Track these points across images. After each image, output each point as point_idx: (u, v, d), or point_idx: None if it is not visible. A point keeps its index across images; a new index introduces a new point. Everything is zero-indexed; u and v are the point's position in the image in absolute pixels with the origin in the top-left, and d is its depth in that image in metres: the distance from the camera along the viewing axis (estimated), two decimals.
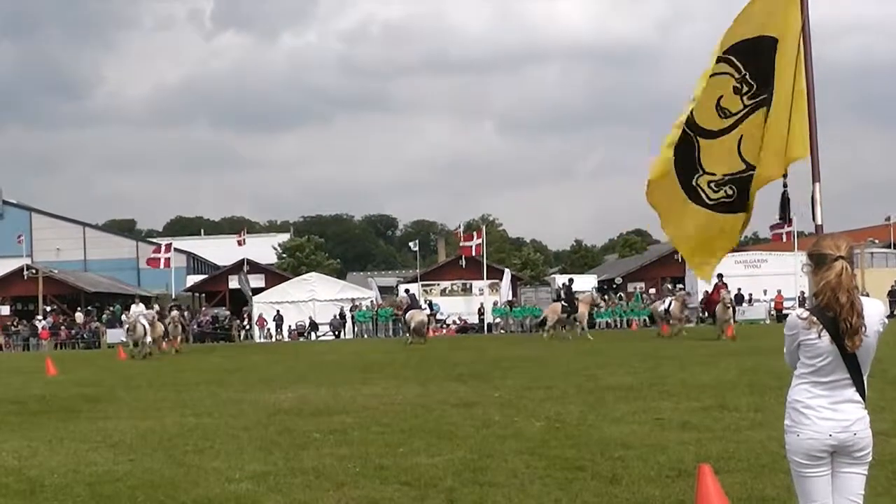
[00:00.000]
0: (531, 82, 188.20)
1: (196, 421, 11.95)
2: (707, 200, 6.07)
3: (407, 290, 38.04)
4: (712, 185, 6.02)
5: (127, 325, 31.02)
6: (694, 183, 6.06)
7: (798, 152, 5.65)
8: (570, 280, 35.46)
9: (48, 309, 52.04)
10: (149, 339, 29.71)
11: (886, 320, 4.20)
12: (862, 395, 4.05)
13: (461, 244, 52.04)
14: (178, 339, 33.48)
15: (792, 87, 5.66)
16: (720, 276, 30.71)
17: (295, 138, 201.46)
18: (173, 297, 48.61)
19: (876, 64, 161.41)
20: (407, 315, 34.53)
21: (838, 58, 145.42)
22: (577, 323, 32.88)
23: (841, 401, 4.02)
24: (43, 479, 8.18)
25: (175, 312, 33.53)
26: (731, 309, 29.38)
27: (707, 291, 31.83)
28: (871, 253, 49.29)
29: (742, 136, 5.90)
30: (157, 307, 33.90)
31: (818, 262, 4.06)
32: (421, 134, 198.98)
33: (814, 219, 5.66)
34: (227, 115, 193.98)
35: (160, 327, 30.88)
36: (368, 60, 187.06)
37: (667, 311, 31.97)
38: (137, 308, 30.82)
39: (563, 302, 32.94)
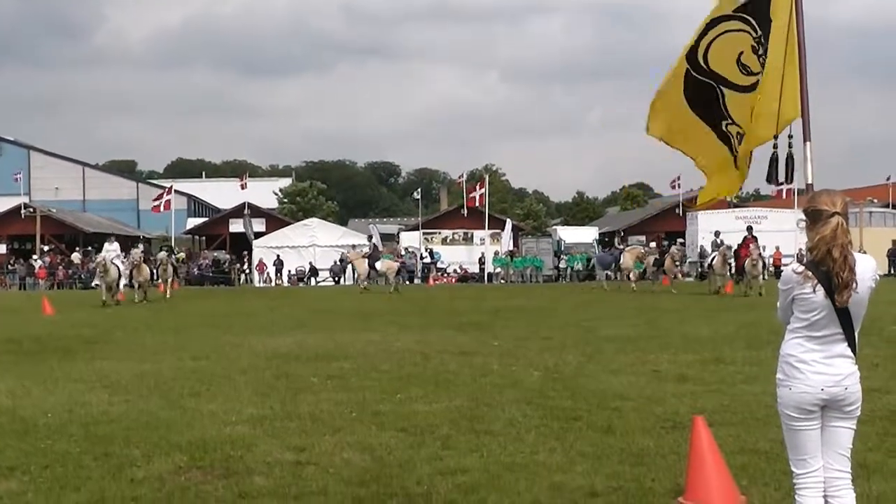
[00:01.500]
0: (537, 33, 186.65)
1: (193, 364, 11.98)
2: (735, 151, 6.11)
3: (370, 237, 37.84)
4: (739, 136, 6.04)
5: (98, 267, 27.17)
6: (724, 129, 6.09)
7: (791, 113, 5.62)
8: (615, 234, 35.55)
9: (45, 248, 51.97)
10: (123, 282, 27.03)
11: (878, 276, 4.20)
12: (853, 350, 4.07)
13: (468, 195, 51.88)
14: (170, 283, 30.73)
15: (784, 49, 5.62)
16: (749, 228, 30.04)
17: (298, 84, 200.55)
18: (169, 238, 48.46)
19: (876, 25, 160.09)
20: (379, 265, 34.55)
21: (838, 19, 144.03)
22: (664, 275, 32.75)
23: (833, 355, 4.03)
24: (37, 420, 8.19)
25: (163, 254, 30.86)
26: (759, 264, 27.18)
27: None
28: (871, 212, 49.20)
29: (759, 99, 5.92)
30: (141, 247, 30.63)
31: (814, 217, 4.08)
32: (425, 82, 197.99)
33: (791, 178, 5.68)
34: (229, 58, 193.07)
35: (146, 270, 28.21)
36: (373, 7, 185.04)
37: (710, 265, 29.98)
38: (111, 247, 27.47)
39: (656, 256, 33.32)
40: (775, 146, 5.76)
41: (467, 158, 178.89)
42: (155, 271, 30.19)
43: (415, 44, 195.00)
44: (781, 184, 5.77)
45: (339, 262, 47.63)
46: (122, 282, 27.02)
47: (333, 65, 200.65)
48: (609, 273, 35.15)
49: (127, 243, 38.31)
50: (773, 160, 5.77)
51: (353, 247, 41.75)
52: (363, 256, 35.78)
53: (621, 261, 32.91)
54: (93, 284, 29.57)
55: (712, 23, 5.94)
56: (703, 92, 6.04)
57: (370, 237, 37.91)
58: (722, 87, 5.98)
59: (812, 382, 4.01)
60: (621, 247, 34.83)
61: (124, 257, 28.08)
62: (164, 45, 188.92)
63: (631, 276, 32.47)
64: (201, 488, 5.93)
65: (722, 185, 6.40)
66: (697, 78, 6.02)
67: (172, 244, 51.59)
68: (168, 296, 29.42)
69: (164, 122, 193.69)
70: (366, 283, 35.33)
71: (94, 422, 8.05)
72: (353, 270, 38.69)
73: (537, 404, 8.59)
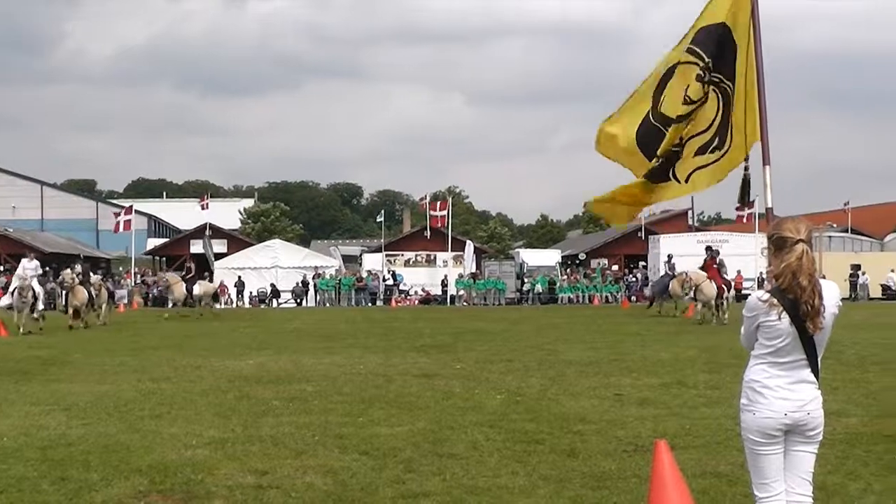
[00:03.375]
0: (502, 56, 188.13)
1: (153, 386, 11.84)
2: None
3: (186, 258, 35.61)
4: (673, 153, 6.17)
5: (12, 289, 23.55)
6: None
7: (752, 137, 5.75)
8: (669, 256, 34.80)
9: (1, 268, 51.06)
10: (40, 306, 23.57)
11: (841, 302, 4.25)
12: (816, 375, 4.11)
13: (431, 213, 51.87)
14: (104, 308, 27.23)
15: (745, 75, 5.76)
16: (708, 248, 29.28)
17: (262, 104, 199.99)
18: (129, 258, 47.51)
19: (834, 52, 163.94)
20: (196, 289, 32.99)
21: (798, 46, 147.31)
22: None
23: (797, 381, 4.07)
24: None
25: (96, 277, 27.49)
26: (708, 288, 25.31)
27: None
28: (829, 237, 50.07)
29: (691, 122, 6.08)
30: (79, 268, 26.64)
31: (779, 244, 4.10)
32: (389, 103, 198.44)
33: (749, 201, 5.83)
34: (192, 78, 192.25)
35: (83, 293, 24.87)
36: (338, 28, 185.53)
37: (665, 290, 28.98)
38: (30, 265, 23.97)
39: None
40: (746, 168, 5.86)
41: (431, 180, 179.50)
42: (91, 295, 26.00)
43: (379, 65, 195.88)
44: (744, 206, 5.95)
45: (300, 284, 47.22)
46: (39, 305, 23.66)
47: (298, 85, 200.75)
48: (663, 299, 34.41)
49: (90, 264, 36.78)
50: (745, 183, 5.88)
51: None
52: (182, 279, 33.66)
53: (670, 287, 32.16)
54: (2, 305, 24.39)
55: (669, 72, 6.09)
56: (653, 133, 6.16)
57: (187, 258, 35.06)
58: (666, 128, 6.10)
59: (776, 408, 4.04)
60: (672, 273, 34.15)
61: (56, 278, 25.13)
62: (128, 63, 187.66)
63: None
64: None
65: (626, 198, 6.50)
66: (651, 123, 6.15)
67: (133, 265, 50.94)
68: (101, 322, 26.63)
69: (126, 140, 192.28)
70: (176, 309, 33.19)
71: (52, 445, 7.92)
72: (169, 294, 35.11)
73: (500, 427, 8.60)
